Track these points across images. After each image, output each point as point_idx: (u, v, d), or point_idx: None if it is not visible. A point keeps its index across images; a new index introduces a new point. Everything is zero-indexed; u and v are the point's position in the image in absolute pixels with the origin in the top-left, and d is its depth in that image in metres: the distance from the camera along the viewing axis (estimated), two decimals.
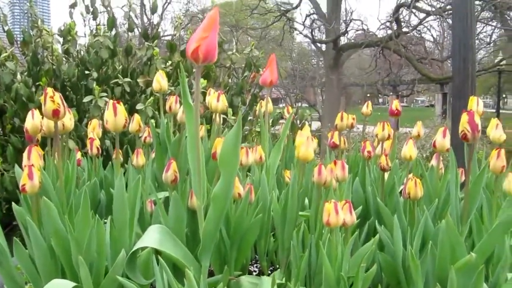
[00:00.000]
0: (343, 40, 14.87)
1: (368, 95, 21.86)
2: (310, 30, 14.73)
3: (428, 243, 1.34)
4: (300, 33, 16.47)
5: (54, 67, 3.29)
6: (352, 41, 14.61)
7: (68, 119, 1.61)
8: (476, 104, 1.86)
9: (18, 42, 3.35)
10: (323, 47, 15.25)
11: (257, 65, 4.39)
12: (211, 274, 1.51)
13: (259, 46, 20.18)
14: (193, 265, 1.33)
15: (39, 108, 1.41)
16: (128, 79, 3.36)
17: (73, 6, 3.60)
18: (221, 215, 1.29)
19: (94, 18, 3.82)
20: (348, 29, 14.21)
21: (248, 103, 4.20)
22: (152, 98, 3.10)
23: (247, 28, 18.99)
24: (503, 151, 1.47)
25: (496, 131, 1.70)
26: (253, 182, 1.71)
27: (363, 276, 1.22)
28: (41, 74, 3.20)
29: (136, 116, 1.90)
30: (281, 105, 17.30)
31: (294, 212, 1.48)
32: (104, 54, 3.38)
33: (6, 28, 3.35)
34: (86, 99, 2.99)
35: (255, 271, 1.77)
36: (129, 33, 3.95)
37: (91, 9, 3.67)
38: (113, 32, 3.57)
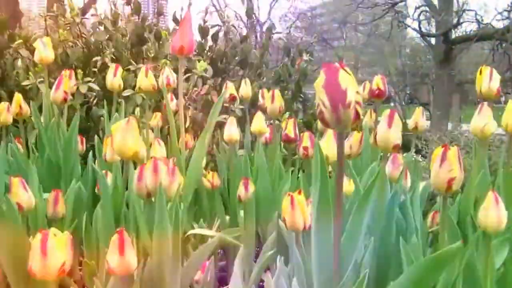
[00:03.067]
0: (456, 33, 13.65)
1: None
2: (418, 22, 13.69)
3: None
4: (409, 26, 15.43)
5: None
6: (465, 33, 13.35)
7: None
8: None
9: None
10: (433, 41, 14.11)
11: (300, 49, 3.82)
12: None
13: (368, 42, 19.35)
14: None
15: None
16: (141, 65, 2.97)
17: None
18: None
19: (128, 3, 3.54)
20: (460, 21, 12.97)
21: (292, 93, 3.66)
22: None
23: (356, 24, 18.28)
24: None
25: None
26: None
27: None
28: None
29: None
30: (391, 104, 16.39)
31: None
32: (100, 37, 3.04)
33: None
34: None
35: None
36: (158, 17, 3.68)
37: None
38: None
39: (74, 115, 2.28)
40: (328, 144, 1.01)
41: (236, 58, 3.47)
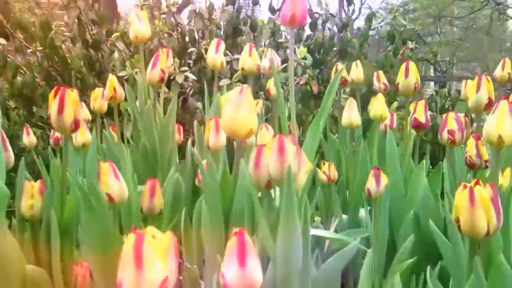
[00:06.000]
0: None
1: None
2: None
3: None
4: (511, 18, 14.53)
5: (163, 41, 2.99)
6: None
7: None
8: None
9: None
10: None
11: (405, 37, 3.53)
12: None
13: (464, 36, 18.40)
14: None
15: None
16: (237, 56, 2.87)
17: None
18: None
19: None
20: None
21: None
22: (238, 72, 2.55)
23: (451, 17, 17.47)
24: None
25: None
26: None
27: None
28: None
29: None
30: None
31: None
32: (197, 25, 2.96)
33: None
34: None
35: None
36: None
37: None
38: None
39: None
40: (501, 119, 0.74)
41: (334, 48, 3.26)
